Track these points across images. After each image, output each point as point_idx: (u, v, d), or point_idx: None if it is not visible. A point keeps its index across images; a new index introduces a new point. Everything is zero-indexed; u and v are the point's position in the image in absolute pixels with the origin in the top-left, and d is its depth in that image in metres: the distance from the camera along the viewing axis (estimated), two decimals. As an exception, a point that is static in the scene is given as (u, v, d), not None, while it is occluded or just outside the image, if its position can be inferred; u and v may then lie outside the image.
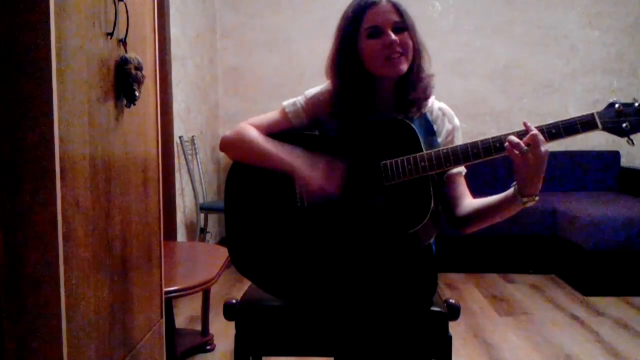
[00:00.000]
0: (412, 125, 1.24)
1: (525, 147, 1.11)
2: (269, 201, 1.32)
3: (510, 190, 1.21)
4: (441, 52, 4.13)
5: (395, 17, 1.27)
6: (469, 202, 1.34)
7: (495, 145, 1.17)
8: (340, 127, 1.34)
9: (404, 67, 1.28)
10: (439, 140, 1.35)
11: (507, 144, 1.13)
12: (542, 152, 1.12)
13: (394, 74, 1.29)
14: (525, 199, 1.17)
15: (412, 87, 1.32)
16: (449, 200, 1.37)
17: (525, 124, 1.15)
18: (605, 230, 3.07)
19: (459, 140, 1.37)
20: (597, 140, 4.17)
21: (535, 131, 1.12)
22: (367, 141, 1.29)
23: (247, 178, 1.35)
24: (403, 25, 1.28)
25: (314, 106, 1.37)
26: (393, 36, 1.25)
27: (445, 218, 1.35)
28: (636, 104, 1.13)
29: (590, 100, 4.25)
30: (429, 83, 1.34)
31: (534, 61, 4.28)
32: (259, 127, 1.36)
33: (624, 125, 1.13)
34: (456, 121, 1.40)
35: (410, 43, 1.28)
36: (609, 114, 1.14)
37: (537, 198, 1.18)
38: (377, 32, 1.26)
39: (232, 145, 1.37)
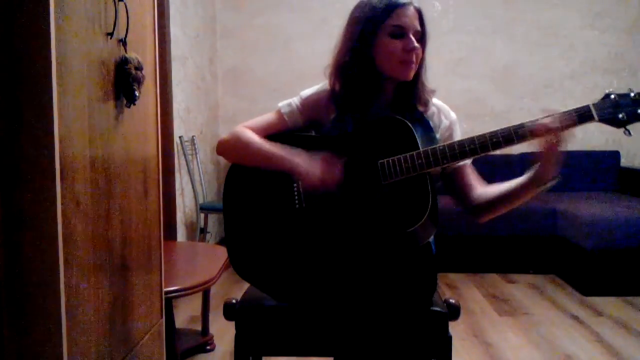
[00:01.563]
0: (409, 123, 1.25)
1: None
2: (267, 203, 1.31)
3: (528, 175, 1.22)
4: (441, 52, 4.13)
5: (418, 26, 1.29)
6: (483, 190, 1.34)
7: (492, 140, 1.17)
8: (337, 127, 1.34)
9: (412, 74, 1.30)
10: (438, 136, 1.35)
11: (540, 129, 1.14)
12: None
13: (402, 78, 1.30)
14: (549, 184, 1.21)
15: (417, 99, 1.35)
16: (461, 191, 1.37)
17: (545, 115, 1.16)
18: (605, 230, 3.07)
19: (458, 134, 1.38)
20: (597, 140, 4.17)
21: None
22: (364, 140, 1.29)
23: (245, 180, 1.35)
24: (422, 36, 1.30)
25: (309, 107, 1.37)
26: (416, 43, 1.27)
27: (462, 207, 1.37)
28: (632, 94, 1.13)
29: (590, 100, 4.21)
30: (431, 99, 1.37)
31: (534, 61, 4.28)
32: (255, 129, 1.36)
33: (620, 116, 1.13)
34: (452, 116, 1.40)
35: (421, 55, 1.31)
36: (604, 105, 1.14)
37: (559, 178, 1.21)
38: (400, 33, 1.27)
39: (230, 148, 1.37)
